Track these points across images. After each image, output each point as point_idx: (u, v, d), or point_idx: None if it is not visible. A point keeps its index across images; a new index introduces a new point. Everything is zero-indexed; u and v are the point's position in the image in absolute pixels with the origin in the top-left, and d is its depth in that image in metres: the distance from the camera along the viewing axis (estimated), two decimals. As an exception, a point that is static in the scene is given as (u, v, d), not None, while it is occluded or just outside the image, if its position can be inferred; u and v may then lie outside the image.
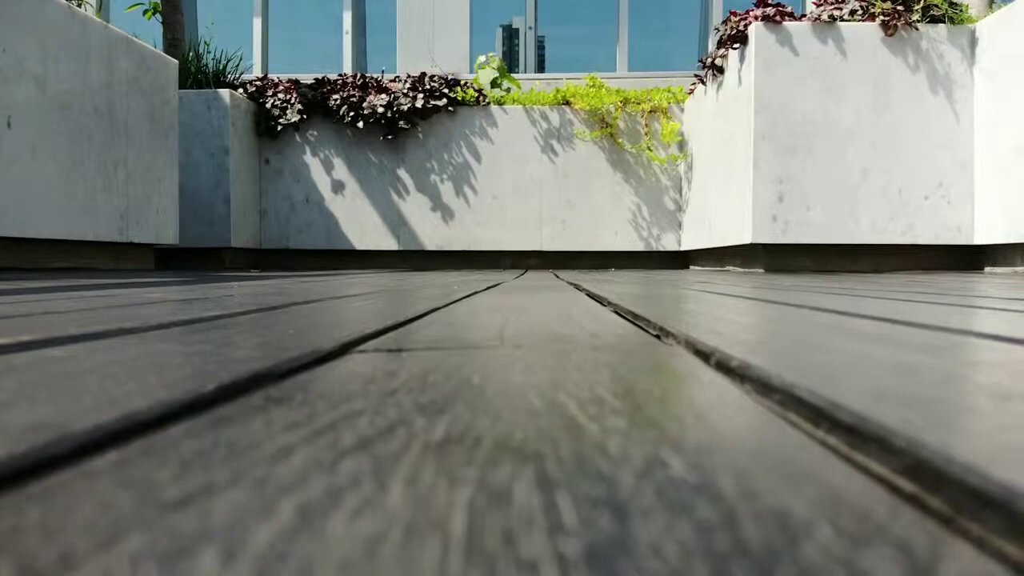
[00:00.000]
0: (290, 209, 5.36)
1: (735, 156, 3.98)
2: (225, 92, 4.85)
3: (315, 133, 5.34)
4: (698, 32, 8.40)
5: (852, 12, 3.83)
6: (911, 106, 3.73)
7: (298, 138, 5.34)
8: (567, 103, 5.32)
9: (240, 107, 5.02)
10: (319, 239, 5.36)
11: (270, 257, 5.44)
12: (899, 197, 3.74)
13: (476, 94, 5.34)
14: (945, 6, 3.79)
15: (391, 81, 5.34)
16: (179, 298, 1.26)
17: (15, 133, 3.08)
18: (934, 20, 3.78)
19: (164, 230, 4.19)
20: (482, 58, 5.93)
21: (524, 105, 5.34)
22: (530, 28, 8.22)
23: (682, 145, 5.18)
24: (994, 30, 3.61)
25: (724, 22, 4.14)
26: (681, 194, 5.29)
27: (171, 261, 4.78)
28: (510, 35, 9.13)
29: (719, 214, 4.30)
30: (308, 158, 5.35)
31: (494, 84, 5.78)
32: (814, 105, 3.74)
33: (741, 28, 3.87)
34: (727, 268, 4.44)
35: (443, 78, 5.36)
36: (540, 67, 8.21)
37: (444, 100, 5.24)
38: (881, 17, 3.74)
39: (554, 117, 5.31)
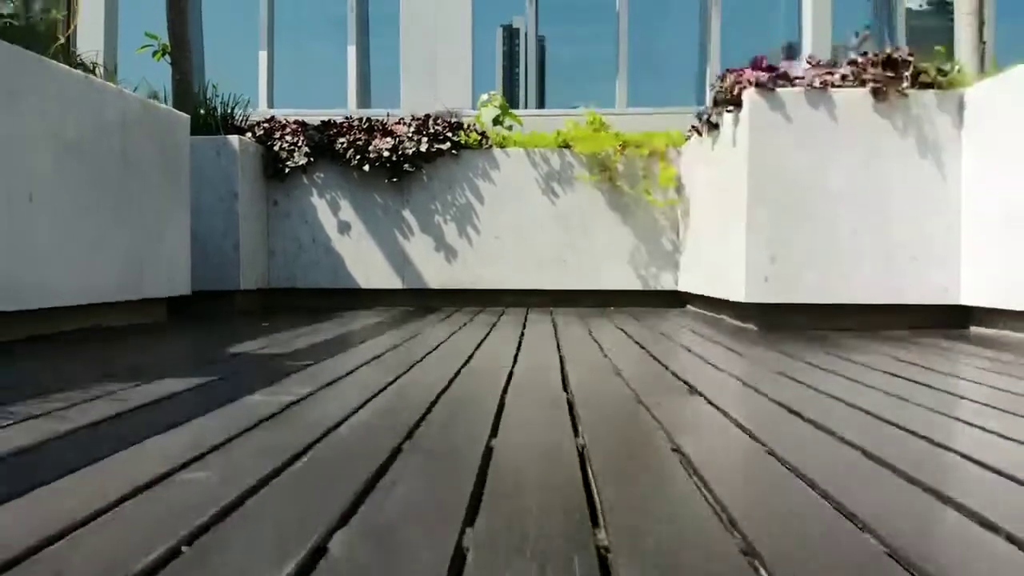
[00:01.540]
0: (298, 249, 5.50)
1: (728, 212, 4.11)
2: (234, 138, 4.98)
3: (322, 175, 5.47)
4: (697, 65, 8.51)
5: (843, 77, 3.95)
6: (901, 170, 3.85)
7: (305, 180, 5.47)
8: (567, 146, 5.44)
9: (248, 151, 5.15)
10: (326, 278, 5.49)
11: (278, 296, 5.56)
12: (887, 259, 3.87)
13: (479, 137, 5.47)
14: (934, 72, 3.91)
15: (396, 124, 5.46)
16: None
17: (37, 207, 3.21)
18: (924, 86, 3.90)
19: (176, 284, 4.33)
20: (484, 96, 6.06)
21: (526, 148, 5.46)
22: (534, 36, 8.34)
23: (679, 190, 5.31)
24: (983, 97, 3.73)
25: (720, 78, 4.26)
26: (678, 235, 5.42)
27: (180, 307, 4.91)
28: (511, 39, 9.24)
29: (713, 265, 4.43)
30: (315, 200, 5.48)
31: (496, 121, 5.91)
32: (806, 169, 3.86)
33: (735, 93, 3.99)
34: (721, 316, 4.57)
35: (447, 121, 5.48)
36: (541, 102, 8.36)
37: (448, 144, 5.37)
38: (872, 84, 3.86)
39: (555, 160, 5.43)
